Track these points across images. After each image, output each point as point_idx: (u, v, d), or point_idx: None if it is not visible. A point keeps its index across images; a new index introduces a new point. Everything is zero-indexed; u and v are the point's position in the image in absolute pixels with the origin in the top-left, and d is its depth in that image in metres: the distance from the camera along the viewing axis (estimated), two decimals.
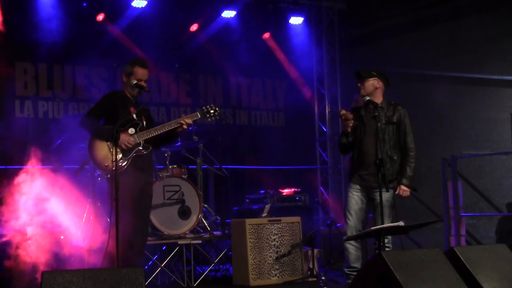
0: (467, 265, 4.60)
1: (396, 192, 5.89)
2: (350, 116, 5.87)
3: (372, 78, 6.01)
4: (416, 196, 9.81)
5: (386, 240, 5.65)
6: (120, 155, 5.37)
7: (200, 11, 9.58)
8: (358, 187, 5.98)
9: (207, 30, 9.74)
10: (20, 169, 7.31)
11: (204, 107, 5.82)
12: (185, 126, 5.61)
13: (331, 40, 10.42)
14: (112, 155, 5.23)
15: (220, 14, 9.60)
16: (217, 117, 5.86)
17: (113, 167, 5.21)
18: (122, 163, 5.37)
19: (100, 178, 6.67)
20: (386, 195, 5.74)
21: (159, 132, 5.58)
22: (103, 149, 5.43)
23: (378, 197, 5.70)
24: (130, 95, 5.62)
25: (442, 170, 8.70)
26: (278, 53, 10.27)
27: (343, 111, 5.89)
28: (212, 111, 5.79)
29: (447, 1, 10.83)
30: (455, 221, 8.41)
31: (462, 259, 4.62)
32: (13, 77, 8.55)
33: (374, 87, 6.00)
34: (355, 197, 5.97)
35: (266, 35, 10.10)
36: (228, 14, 9.61)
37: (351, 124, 5.90)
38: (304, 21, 10.20)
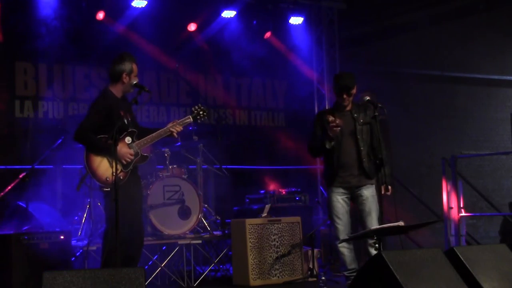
0: (467, 265, 4.60)
1: (382, 192, 5.82)
2: (341, 123, 5.83)
3: (355, 84, 6.01)
4: (416, 196, 9.83)
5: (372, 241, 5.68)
6: (120, 168, 5.29)
7: (200, 11, 9.58)
8: (341, 190, 5.97)
9: (207, 30, 9.73)
10: (19, 169, 7.34)
11: (193, 109, 5.74)
12: (175, 135, 5.57)
13: (331, 40, 10.41)
14: (116, 167, 5.20)
15: (220, 14, 9.59)
16: (206, 118, 5.79)
17: (113, 179, 5.13)
18: (121, 177, 5.29)
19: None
20: (370, 191, 5.87)
21: (154, 141, 5.54)
22: (102, 163, 5.27)
23: (363, 193, 5.85)
24: (120, 94, 5.46)
25: (442, 170, 8.69)
26: (278, 53, 10.27)
27: (332, 118, 5.80)
28: (201, 112, 5.73)
29: (447, 1, 10.82)
30: (455, 221, 8.41)
31: (462, 259, 4.62)
32: (13, 77, 8.55)
33: (356, 92, 6.04)
34: (340, 200, 5.97)
35: (268, 35, 10.09)
36: (228, 14, 9.60)
37: (338, 130, 5.85)
38: (304, 21, 10.19)
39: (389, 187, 5.81)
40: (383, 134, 5.99)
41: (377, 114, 5.71)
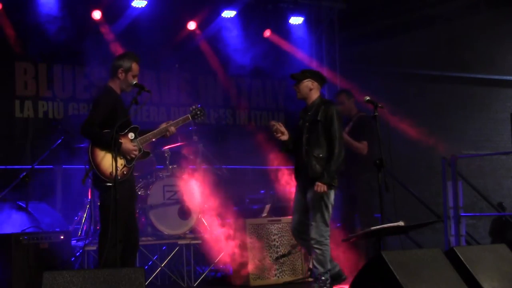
0: (467, 265, 4.60)
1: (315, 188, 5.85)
2: (276, 127, 6.01)
3: (306, 80, 6.10)
4: (416, 196, 9.82)
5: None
6: (123, 163, 5.32)
7: (200, 11, 9.58)
8: (298, 187, 6.09)
9: (207, 30, 9.73)
10: (19, 169, 7.34)
11: (191, 108, 5.91)
12: (168, 135, 5.63)
13: (331, 40, 10.41)
14: (116, 162, 5.22)
15: (220, 14, 9.60)
16: (203, 118, 5.96)
17: (115, 174, 5.10)
18: (125, 172, 5.32)
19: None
20: (311, 193, 5.84)
21: (156, 138, 5.58)
22: (106, 157, 5.25)
23: (308, 195, 5.86)
24: (118, 90, 5.48)
25: (442, 170, 8.69)
26: (278, 53, 10.26)
27: (272, 122, 6.12)
28: (199, 112, 5.91)
29: (447, 1, 10.82)
30: (455, 221, 8.40)
31: (462, 259, 4.63)
32: (13, 77, 8.54)
33: (308, 89, 6.12)
34: (297, 194, 6.09)
35: (267, 33, 10.08)
36: (228, 14, 9.60)
37: (279, 135, 6.02)
38: (304, 21, 10.18)
39: (321, 184, 5.74)
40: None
41: (377, 114, 5.73)
